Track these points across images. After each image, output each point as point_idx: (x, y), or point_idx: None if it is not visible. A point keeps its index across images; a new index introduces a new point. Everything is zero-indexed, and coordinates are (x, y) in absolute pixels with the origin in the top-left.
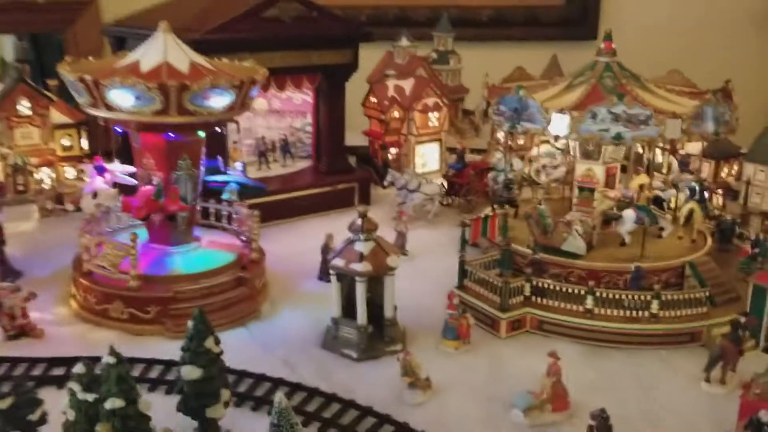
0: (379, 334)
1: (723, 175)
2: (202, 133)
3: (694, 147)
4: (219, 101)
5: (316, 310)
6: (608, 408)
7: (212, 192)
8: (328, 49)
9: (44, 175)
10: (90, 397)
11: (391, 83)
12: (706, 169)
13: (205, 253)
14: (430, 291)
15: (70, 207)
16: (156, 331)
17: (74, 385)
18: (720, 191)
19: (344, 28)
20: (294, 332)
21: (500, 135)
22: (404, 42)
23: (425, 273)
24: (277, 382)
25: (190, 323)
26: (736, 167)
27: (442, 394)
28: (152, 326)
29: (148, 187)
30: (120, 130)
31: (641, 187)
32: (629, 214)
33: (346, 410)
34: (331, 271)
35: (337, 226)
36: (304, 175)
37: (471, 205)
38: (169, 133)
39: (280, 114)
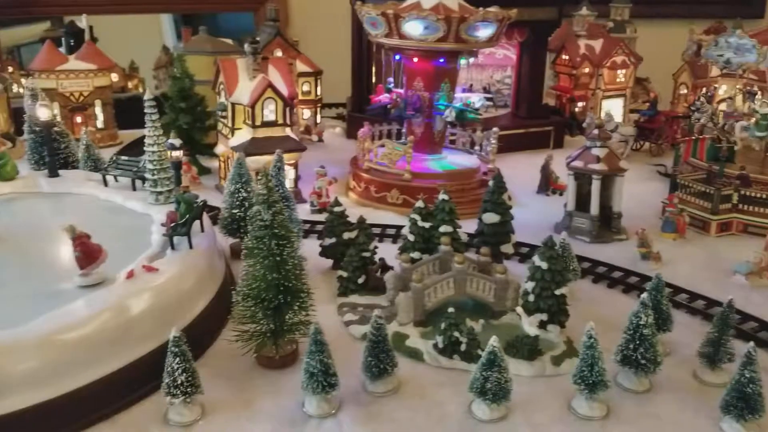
0: (605, 226)
1: None
2: (463, 61)
3: None
4: (484, 32)
5: (542, 211)
6: None
7: None
8: (537, 5)
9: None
10: (426, 224)
11: (582, 42)
12: None
13: (452, 162)
14: (636, 205)
15: (314, 138)
16: None
17: (415, 216)
18: None
19: None
20: (528, 222)
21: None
22: (584, 11)
23: (629, 193)
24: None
25: (490, 182)
26: None
27: (671, 265)
28: None
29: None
30: (397, 57)
31: None
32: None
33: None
34: (569, 172)
35: (537, 161)
36: (504, 119)
37: (661, 149)
38: (440, 59)
39: (483, 67)
